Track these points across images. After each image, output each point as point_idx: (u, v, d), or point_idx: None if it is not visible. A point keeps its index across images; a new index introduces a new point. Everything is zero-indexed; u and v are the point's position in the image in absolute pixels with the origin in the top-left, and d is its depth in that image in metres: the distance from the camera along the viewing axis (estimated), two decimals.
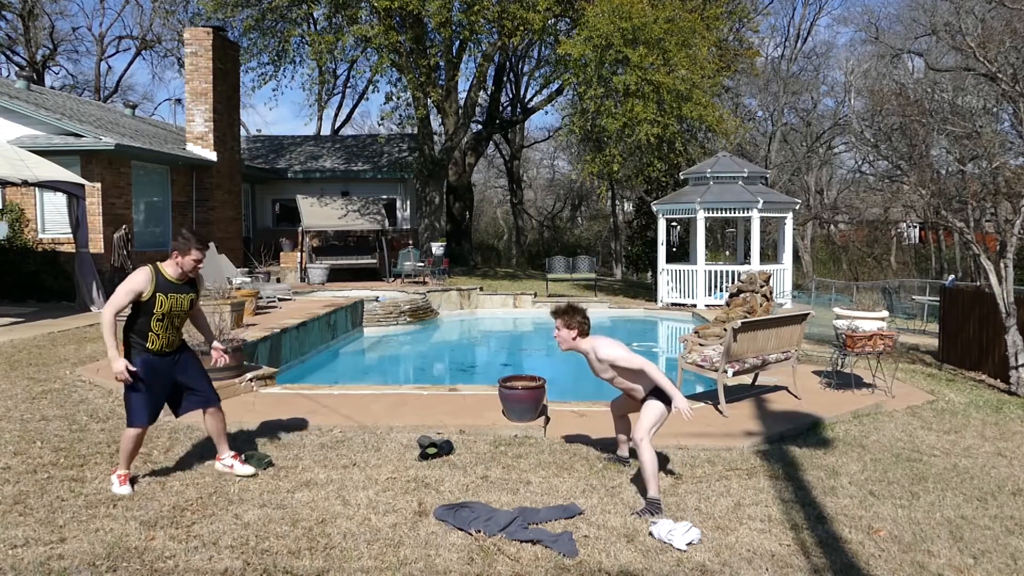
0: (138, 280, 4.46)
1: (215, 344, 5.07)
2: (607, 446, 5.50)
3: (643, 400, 4.70)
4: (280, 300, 13.30)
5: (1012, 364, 8.17)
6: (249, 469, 4.85)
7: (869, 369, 7.96)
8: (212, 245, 14.57)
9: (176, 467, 5.00)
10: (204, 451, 5.28)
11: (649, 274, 27.44)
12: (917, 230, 35.87)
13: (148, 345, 4.51)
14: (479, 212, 39.00)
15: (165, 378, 4.63)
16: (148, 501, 4.38)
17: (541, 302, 16.83)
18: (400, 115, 19.59)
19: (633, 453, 5.22)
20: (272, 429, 5.89)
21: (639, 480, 4.68)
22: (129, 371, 4.42)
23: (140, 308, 4.49)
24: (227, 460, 4.89)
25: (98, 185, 13.71)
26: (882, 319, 8.01)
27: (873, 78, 29.29)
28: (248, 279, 13.58)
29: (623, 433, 5.26)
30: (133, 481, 4.62)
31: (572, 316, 4.75)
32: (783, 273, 15.62)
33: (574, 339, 4.76)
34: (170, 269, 4.55)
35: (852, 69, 31.13)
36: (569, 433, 5.89)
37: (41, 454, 5.16)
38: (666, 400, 4.64)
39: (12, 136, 13.64)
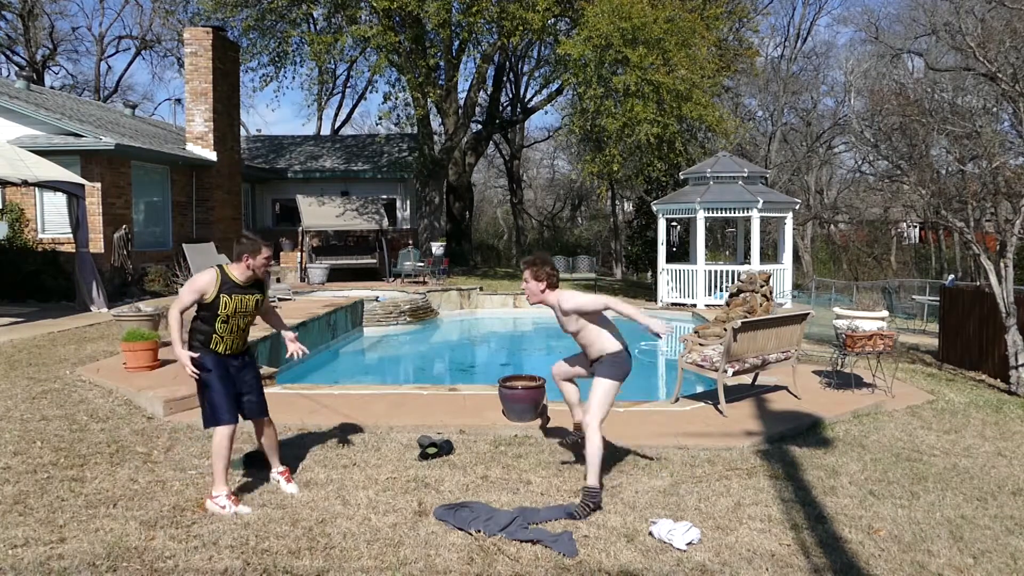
0: (202, 281, 4.39)
1: (287, 333, 4.94)
2: (608, 446, 5.48)
3: (592, 374, 4.60)
4: (280, 300, 13.30)
5: (1012, 364, 8.17)
6: (295, 488, 4.65)
7: (869, 369, 7.95)
8: (212, 244, 14.60)
9: (176, 467, 5.00)
10: (204, 451, 5.29)
11: (649, 274, 27.43)
12: (917, 230, 35.86)
13: (212, 347, 4.44)
14: (479, 212, 38.99)
15: (233, 378, 4.50)
16: (148, 501, 4.38)
17: None
18: (399, 115, 19.58)
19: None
20: None
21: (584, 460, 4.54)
22: (198, 364, 4.35)
23: (204, 309, 4.42)
24: (274, 475, 4.74)
25: (98, 185, 13.71)
26: (882, 319, 8.02)
27: (873, 78, 29.27)
28: None
29: (571, 397, 5.12)
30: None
31: (541, 267, 4.59)
32: (783, 273, 15.62)
33: (542, 291, 4.62)
34: (237, 272, 4.45)
35: (852, 69, 31.10)
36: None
37: (41, 454, 5.16)
38: (617, 374, 4.55)
39: (12, 136, 13.64)
